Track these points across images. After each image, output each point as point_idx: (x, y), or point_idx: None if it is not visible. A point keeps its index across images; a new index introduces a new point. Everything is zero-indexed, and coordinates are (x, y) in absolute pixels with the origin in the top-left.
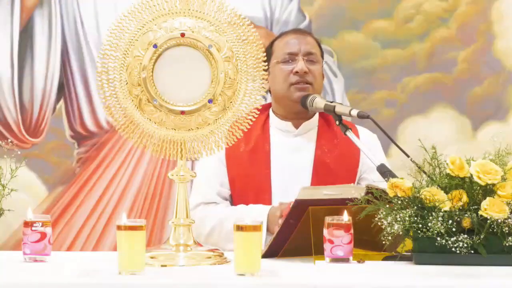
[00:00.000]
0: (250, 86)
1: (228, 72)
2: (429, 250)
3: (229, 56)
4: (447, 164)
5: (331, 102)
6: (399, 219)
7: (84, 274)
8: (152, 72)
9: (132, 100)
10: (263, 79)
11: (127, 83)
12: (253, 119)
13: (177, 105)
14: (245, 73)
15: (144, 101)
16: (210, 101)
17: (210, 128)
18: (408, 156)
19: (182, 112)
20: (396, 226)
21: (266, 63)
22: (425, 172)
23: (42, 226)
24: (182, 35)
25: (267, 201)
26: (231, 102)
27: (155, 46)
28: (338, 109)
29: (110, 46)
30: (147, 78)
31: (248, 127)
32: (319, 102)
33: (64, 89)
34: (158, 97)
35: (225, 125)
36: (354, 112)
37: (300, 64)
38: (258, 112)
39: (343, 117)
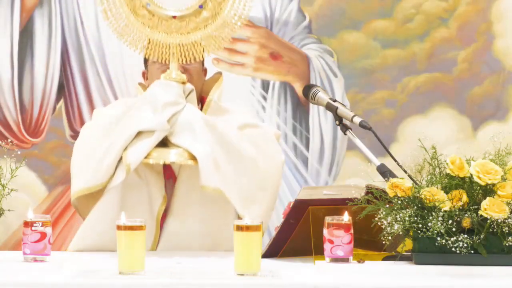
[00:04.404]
0: None
1: None
2: (429, 250)
3: None
4: (447, 164)
5: (334, 101)
6: (399, 219)
7: (84, 274)
8: None
9: (127, 5)
10: None
11: None
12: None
13: (169, 10)
14: None
15: (138, 5)
16: (200, 6)
17: (200, 34)
18: (401, 166)
19: (174, 17)
20: (396, 226)
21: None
22: (417, 184)
23: (42, 226)
24: None
25: None
26: (221, 8)
27: None
28: (340, 112)
29: None
30: None
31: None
32: (322, 98)
33: (64, 89)
34: (151, 2)
35: (215, 31)
36: (357, 120)
37: None
38: (247, 20)
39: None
